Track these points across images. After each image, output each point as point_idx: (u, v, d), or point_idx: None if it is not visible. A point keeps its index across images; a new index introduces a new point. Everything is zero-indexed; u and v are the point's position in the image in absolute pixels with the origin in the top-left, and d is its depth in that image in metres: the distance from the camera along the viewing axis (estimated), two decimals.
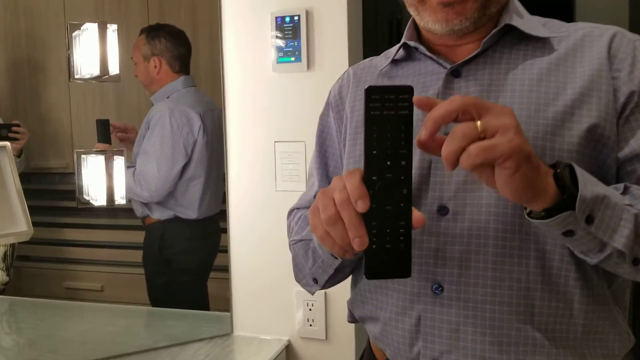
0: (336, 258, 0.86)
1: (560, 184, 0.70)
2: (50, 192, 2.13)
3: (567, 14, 3.20)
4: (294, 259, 1.02)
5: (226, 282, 1.69)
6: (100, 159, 1.40)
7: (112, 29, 1.40)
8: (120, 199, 1.41)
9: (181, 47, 1.83)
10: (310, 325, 1.56)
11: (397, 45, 0.97)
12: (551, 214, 0.70)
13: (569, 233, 0.72)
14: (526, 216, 0.74)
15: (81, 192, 1.47)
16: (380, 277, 0.70)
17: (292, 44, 1.52)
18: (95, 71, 1.39)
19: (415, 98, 0.65)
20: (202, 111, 1.75)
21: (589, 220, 0.70)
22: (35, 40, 2.11)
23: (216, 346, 1.55)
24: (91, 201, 1.44)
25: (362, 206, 0.66)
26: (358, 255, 0.71)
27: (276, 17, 1.53)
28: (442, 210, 0.83)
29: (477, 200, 0.82)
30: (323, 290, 1.51)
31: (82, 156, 1.47)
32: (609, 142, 0.80)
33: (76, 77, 1.44)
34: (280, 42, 1.52)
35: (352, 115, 0.99)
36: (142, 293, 2.17)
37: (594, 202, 0.70)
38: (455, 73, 0.88)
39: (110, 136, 1.65)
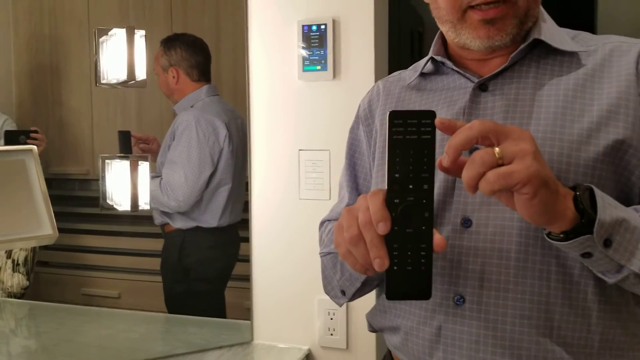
0: None
1: (580, 207, 0.70)
2: (69, 198, 2.13)
3: (588, 24, 3.19)
4: (323, 270, 1.02)
5: (244, 291, 1.69)
6: (125, 164, 1.41)
7: (139, 35, 1.40)
8: (144, 204, 1.41)
9: (198, 56, 1.84)
10: (332, 334, 1.55)
11: (425, 59, 0.97)
12: (569, 237, 0.71)
13: (586, 255, 0.72)
14: (545, 237, 0.74)
15: (105, 198, 1.47)
16: (400, 298, 0.74)
17: (319, 52, 1.52)
18: (122, 76, 1.40)
19: (437, 120, 0.67)
20: (228, 120, 1.76)
21: (607, 243, 0.71)
22: (58, 45, 2.13)
23: (236, 354, 1.54)
24: (115, 206, 1.44)
25: (382, 229, 0.68)
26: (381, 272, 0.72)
27: (303, 26, 1.53)
28: (466, 223, 0.84)
29: (500, 214, 0.82)
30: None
31: (107, 161, 1.47)
32: (634, 159, 0.80)
33: (102, 82, 1.44)
34: (307, 51, 1.53)
35: (381, 128, 0.99)
36: (159, 301, 2.16)
37: (613, 226, 0.70)
38: (482, 87, 0.88)
39: (131, 147, 1.65)
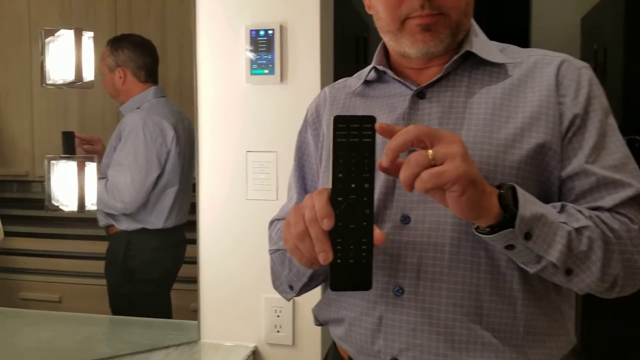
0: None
1: (503, 204, 0.78)
2: (7, 200, 2.08)
3: (523, 40, 3.37)
4: (272, 267, 1.07)
5: (190, 293, 1.70)
6: (72, 164, 1.40)
7: (87, 36, 1.41)
8: (91, 205, 1.41)
9: (146, 57, 1.84)
10: (278, 331, 1.58)
11: (369, 67, 1.04)
12: (494, 230, 0.79)
13: (510, 247, 0.81)
14: (474, 231, 0.82)
15: (50, 199, 1.46)
16: (343, 289, 0.81)
17: (266, 57, 1.56)
18: (69, 77, 1.40)
19: (377, 125, 0.74)
20: (175, 121, 1.76)
21: (527, 236, 0.79)
22: None
23: (183, 353, 1.56)
24: (61, 207, 1.43)
25: (327, 224, 0.74)
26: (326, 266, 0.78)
27: (251, 31, 1.57)
28: (405, 220, 0.91)
29: (435, 211, 0.89)
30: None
31: (52, 162, 1.46)
32: (553, 161, 0.89)
33: (48, 82, 1.43)
34: (254, 55, 1.57)
35: (328, 132, 1.04)
36: (103, 304, 2.14)
37: (532, 220, 0.79)
38: (420, 95, 0.96)
39: (75, 148, 1.64)
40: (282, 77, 1.56)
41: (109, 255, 1.86)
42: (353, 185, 0.73)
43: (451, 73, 0.95)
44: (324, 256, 0.74)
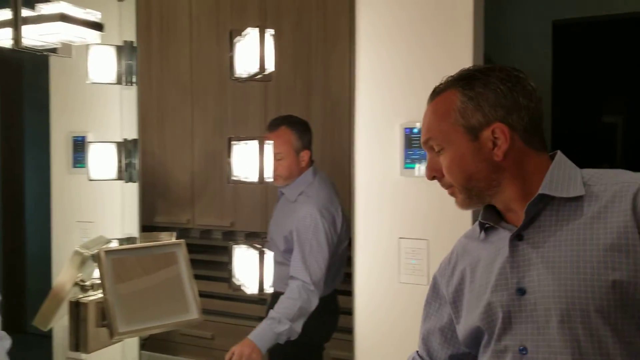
0: None
1: None
2: None
3: None
4: None
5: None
6: (253, 252, 1.63)
7: (269, 33, 1.60)
8: (268, 287, 1.62)
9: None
10: None
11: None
12: None
13: None
14: None
15: (232, 277, 1.71)
16: None
17: (420, 152, 1.72)
18: (253, 69, 1.59)
19: None
20: (339, 205, 1.98)
21: None
22: None
23: None
24: (242, 288, 1.66)
25: None
26: None
27: (405, 128, 1.73)
28: (523, 351, 1.01)
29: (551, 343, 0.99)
30: None
31: (234, 246, 1.70)
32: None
33: (235, 76, 1.67)
34: (408, 151, 1.73)
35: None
36: None
37: None
38: (519, 237, 1.05)
39: None
40: None
41: None
42: None
43: (540, 214, 1.04)
44: None
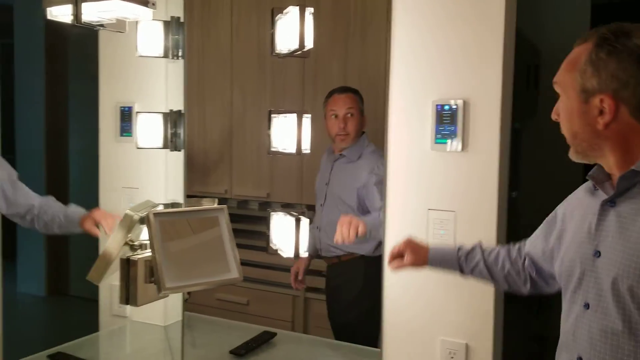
0: None
1: None
2: None
3: None
4: None
5: None
6: (290, 218, 1.73)
7: (309, 12, 1.66)
8: (303, 252, 1.73)
9: None
10: None
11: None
12: None
13: None
14: None
15: (269, 242, 1.82)
16: None
17: (450, 128, 1.79)
18: (293, 46, 1.67)
19: None
20: None
21: None
22: None
23: None
24: (279, 252, 1.77)
25: None
26: None
27: (436, 105, 1.80)
28: (586, 307, 1.11)
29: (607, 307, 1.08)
30: (463, 342, 1.77)
31: (272, 213, 1.81)
32: None
33: (275, 52, 1.77)
34: (439, 126, 1.80)
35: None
36: (283, 310, 2.55)
37: None
38: (611, 203, 1.11)
39: None
40: (463, 147, 1.77)
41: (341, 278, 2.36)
42: None
43: (636, 185, 1.08)
44: None
